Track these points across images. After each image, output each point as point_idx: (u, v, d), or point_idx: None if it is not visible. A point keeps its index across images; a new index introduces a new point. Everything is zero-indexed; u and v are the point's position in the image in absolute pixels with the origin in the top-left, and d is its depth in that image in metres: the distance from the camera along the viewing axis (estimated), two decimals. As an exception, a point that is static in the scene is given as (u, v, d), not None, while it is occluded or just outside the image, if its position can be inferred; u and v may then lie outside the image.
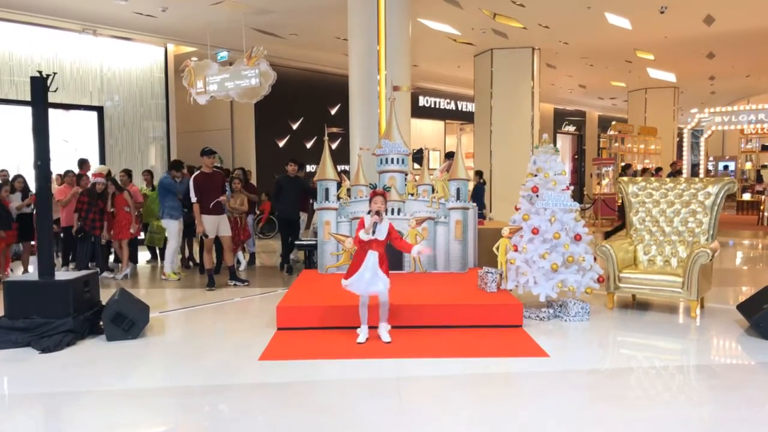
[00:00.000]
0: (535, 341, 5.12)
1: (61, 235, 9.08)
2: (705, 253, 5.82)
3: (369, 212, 4.99)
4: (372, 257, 4.91)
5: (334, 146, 7.89)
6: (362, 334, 5.09)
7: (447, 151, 11.85)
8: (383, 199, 4.94)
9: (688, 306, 6.18)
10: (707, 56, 14.69)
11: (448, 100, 20.27)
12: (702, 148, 18.78)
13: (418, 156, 13.08)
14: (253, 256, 9.85)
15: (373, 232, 4.88)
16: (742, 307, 5.69)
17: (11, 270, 8.91)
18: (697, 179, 6.85)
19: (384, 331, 5.09)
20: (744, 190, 19.40)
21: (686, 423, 3.57)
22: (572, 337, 5.43)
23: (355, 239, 4.99)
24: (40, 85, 5.40)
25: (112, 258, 9.67)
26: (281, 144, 15.06)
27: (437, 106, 19.98)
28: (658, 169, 17.59)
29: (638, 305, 6.60)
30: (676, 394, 4.09)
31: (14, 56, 10.87)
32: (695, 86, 19.22)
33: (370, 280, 4.90)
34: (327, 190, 7.35)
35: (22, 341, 5.06)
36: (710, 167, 22.03)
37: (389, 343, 4.99)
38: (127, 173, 9.38)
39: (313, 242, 8.12)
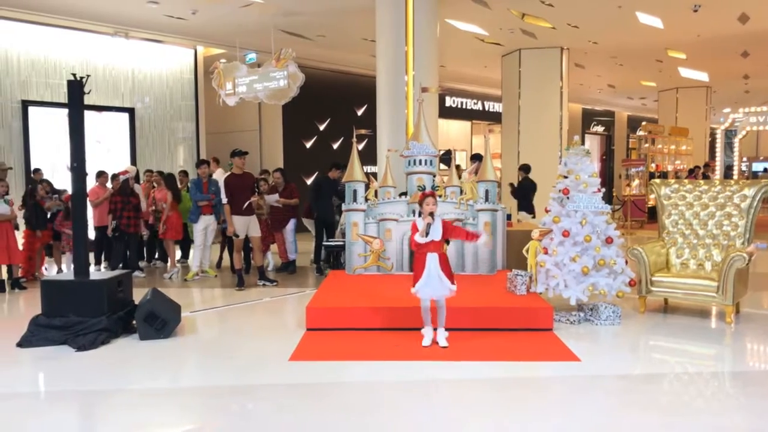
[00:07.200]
0: (566, 345, 5.07)
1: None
2: (741, 257, 5.70)
3: (420, 214, 4.98)
4: (432, 260, 4.87)
5: (360, 147, 7.79)
6: (427, 336, 5.06)
7: (473, 153, 11.71)
8: (434, 200, 4.92)
9: (722, 310, 6.05)
10: (741, 55, 14.36)
11: (476, 101, 20.13)
12: (736, 149, 18.36)
13: (446, 157, 13.00)
14: (293, 263, 9.14)
15: (427, 234, 4.84)
16: (780, 313, 5.56)
17: (45, 268, 9.11)
18: (732, 181, 6.71)
19: (442, 336, 5.04)
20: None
21: (721, 431, 3.50)
22: (603, 341, 5.36)
23: (412, 243, 5.00)
24: (76, 87, 5.54)
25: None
26: (308, 145, 15.12)
27: (464, 107, 19.86)
28: (691, 170, 17.25)
29: (670, 309, 6.48)
30: (711, 401, 4.01)
31: (49, 59, 11.11)
32: (728, 85, 18.79)
33: (437, 286, 4.87)
34: (355, 191, 7.37)
35: (58, 339, 5.19)
36: (744, 168, 21.50)
37: (446, 348, 4.94)
38: (161, 175, 9.53)
39: (341, 243, 8.15)
